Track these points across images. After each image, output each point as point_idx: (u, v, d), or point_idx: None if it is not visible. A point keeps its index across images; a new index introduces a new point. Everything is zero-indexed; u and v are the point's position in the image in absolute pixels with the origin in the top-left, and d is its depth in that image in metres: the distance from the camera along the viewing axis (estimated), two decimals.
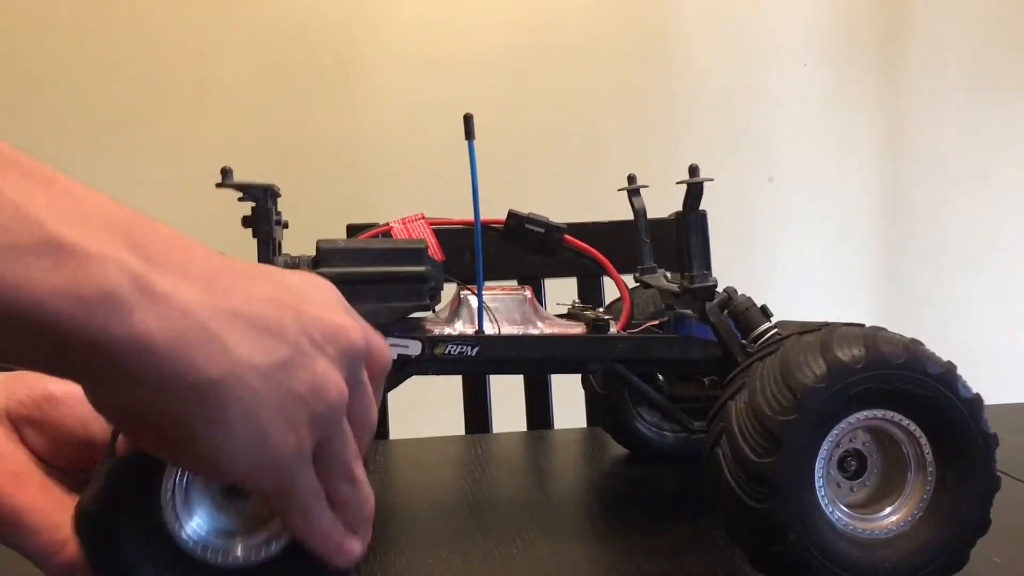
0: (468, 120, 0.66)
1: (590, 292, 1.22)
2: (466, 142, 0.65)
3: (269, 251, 0.62)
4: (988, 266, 2.07)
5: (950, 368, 0.57)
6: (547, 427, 1.18)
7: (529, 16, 1.88)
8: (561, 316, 0.77)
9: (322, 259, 0.63)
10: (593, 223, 1.22)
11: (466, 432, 1.15)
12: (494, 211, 1.40)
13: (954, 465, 0.58)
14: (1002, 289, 2.07)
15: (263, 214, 0.62)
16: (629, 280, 0.83)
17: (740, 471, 0.56)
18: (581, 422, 1.16)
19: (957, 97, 2.03)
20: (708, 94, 1.95)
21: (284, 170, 1.81)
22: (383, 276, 0.64)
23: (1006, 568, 0.63)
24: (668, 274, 0.79)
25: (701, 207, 1.25)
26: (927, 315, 2.04)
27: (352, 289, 0.62)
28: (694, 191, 0.65)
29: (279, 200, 0.70)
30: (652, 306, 0.81)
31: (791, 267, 1.98)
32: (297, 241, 1.82)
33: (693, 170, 0.65)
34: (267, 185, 0.61)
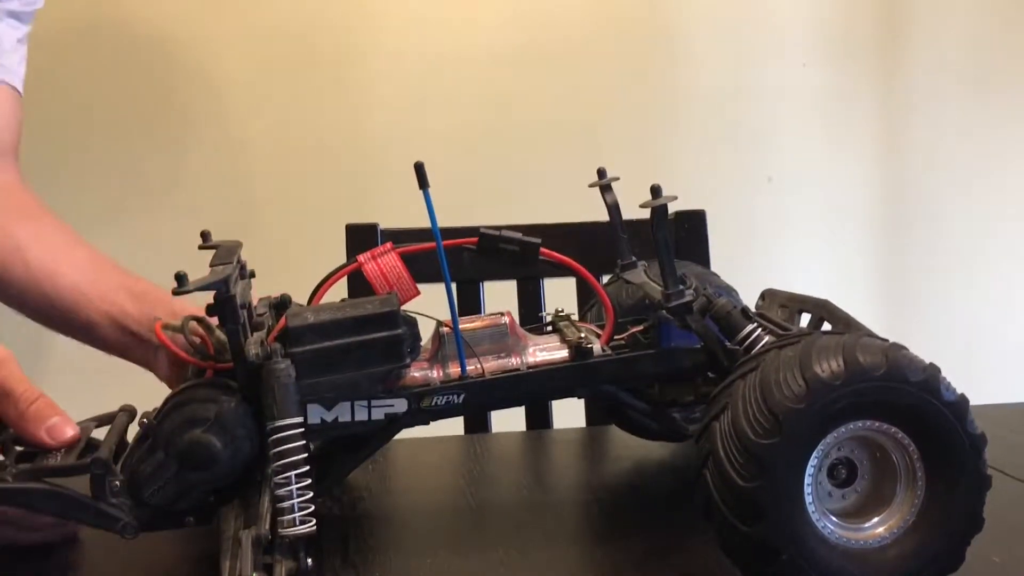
0: (420, 169, 0.64)
1: (589, 291, 1.22)
2: (455, 177, 0.64)
3: (239, 337, 0.61)
4: (988, 265, 2.07)
5: (932, 372, 0.57)
6: (546, 427, 1.18)
7: (528, 15, 1.88)
8: (547, 325, 0.76)
9: (293, 338, 0.61)
10: (591, 222, 1.22)
11: (465, 432, 1.15)
12: (493, 211, 1.40)
13: (944, 468, 0.58)
14: (1002, 288, 2.07)
15: (227, 304, 0.59)
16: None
17: (728, 495, 0.56)
18: (580, 422, 1.16)
19: (957, 96, 2.03)
20: (707, 93, 1.94)
21: (283, 170, 1.81)
22: (358, 345, 0.62)
23: (1006, 568, 0.63)
24: (648, 268, 0.78)
25: (700, 206, 1.25)
26: (926, 313, 2.04)
27: (329, 363, 0.61)
28: (659, 212, 0.65)
29: (244, 248, 0.68)
30: (630, 298, 0.80)
31: (790, 266, 1.98)
32: (297, 242, 1.81)
33: (655, 191, 0.64)
34: (224, 276, 0.59)
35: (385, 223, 1.24)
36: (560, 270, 0.72)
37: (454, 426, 1.16)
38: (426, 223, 1.13)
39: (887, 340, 0.58)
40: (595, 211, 1.16)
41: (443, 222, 1.16)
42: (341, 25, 1.83)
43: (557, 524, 0.75)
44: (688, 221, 1.24)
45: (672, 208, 1.23)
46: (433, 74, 1.85)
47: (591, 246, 0.96)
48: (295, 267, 1.27)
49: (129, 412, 0.69)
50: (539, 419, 1.19)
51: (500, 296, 1.22)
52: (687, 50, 1.94)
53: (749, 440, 0.55)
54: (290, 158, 1.82)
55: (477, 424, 1.16)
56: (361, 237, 1.22)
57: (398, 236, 1.21)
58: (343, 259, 1.26)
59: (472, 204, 1.68)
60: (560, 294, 1.21)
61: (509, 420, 1.13)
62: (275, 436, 0.58)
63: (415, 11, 1.85)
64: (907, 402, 0.56)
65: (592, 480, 0.88)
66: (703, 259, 1.25)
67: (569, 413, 1.16)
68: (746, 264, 1.89)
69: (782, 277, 1.94)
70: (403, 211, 1.28)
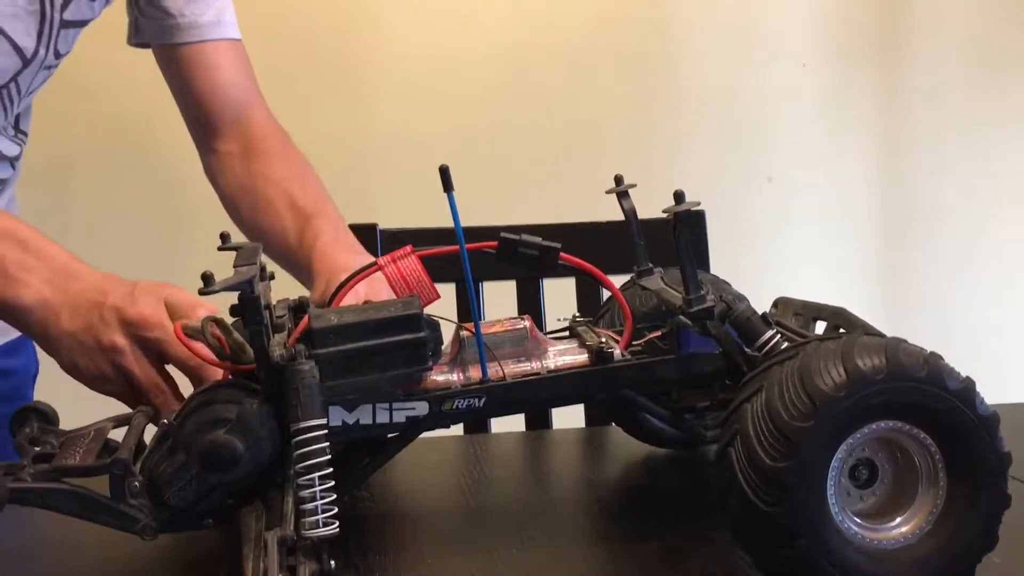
0: (444, 172, 0.64)
1: (589, 293, 1.22)
2: (455, 177, 0.63)
3: (263, 338, 0.61)
4: (987, 265, 2.07)
5: (969, 384, 0.58)
6: (546, 427, 1.18)
7: (529, 15, 1.88)
8: (563, 331, 0.76)
9: (316, 339, 0.61)
10: (593, 223, 1.22)
11: (465, 432, 1.15)
12: (494, 211, 1.40)
13: (966, 481, 0.59)
14: (1001, 288, 2.07)
15: (251, 305, 0.59)
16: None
17: (753, 473, 0.56)
18: (580, 422, 1.16)
19: (956, 96, 2.03)
20: (707, 93, 1.94)
21: None
22: (381, 348, 0.62)
23: (1006, 569, 0.63)
24: (664, 274, 0.78)
25: (700, 207, 1.25)
26: (926, 314, 2.04)
27: (352, 364, 0.61)
28: (681, 218, 0.65)
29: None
30: (646, 305, 0.80)
31: (790, 266, 1.98)
32: None
33: (678, 196, 0.65)
34: (248, 277, 0.59)
35: (385, 223, 1.24)
36: (569, 272, 0.72)
37: (454, 426, 1.16)
38: (425, 224, 1.13)
39: (925, 349, 0.59)
40: (595, 211, 1.16)
41: (443, 222, 1.15)
42: (342, 25, 1.83)
43: (557, 524, 0.75)
44: (688, 221, 1.24)
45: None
46: (434, 74, 1.85)
47: (591, 246, 0.96)
48: None
49: (147, 413, 0.69)
50: (539, 420, 1.19)
51: (499, 296, 1.22)
52: (687, 50, 1.94)
53: (783, 421, 0.56)
54: None
55: (477, 424, 1.16)
56: (361, 237, 1.22)
57: (398, 236, 1.21)
58: None
59: (472, 204, 1.66)
60: (559, 295, 1.21)
61: (509, 420, 1.13)
62: (299, 437, 0.58)
63: (416, 12, 1.85)
64: (941, 408, 0.57)
65: (592, 480, 0.88)
66: (703, 259, 1.25)
67: (569, 414, 1.16)
68: (746, 264, 1.89)
69: (782, 277, 1.94)
70: (403, 211, 1.28)
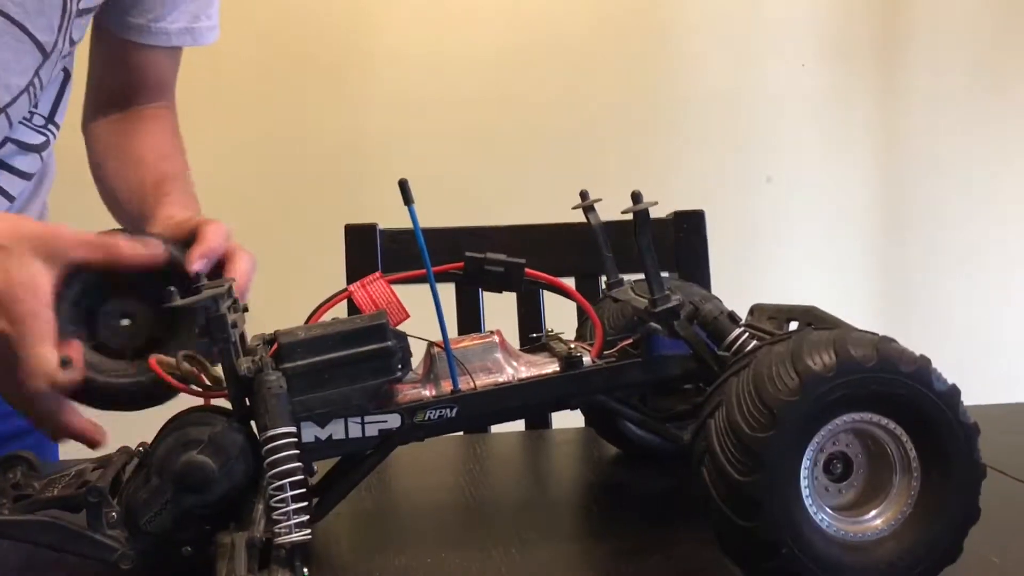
0: (404, 186, 0.65)
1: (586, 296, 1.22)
2: (455, 177, 0.64)
3: (232, 355, 0.61)
4: (986, 266, 2.07)
5: (923, 363, 0.57)
6: (544, 427, 1.18)
7: (528, 15, 1.88)
8: (536, 347, 0.76)
9: (284, 354, 0.62)
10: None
11: (464, 432, 1.15)
12: (494, 211, 1.40)
13: (938, 459, 0.58)
14: (1001, 289, 2.07)
15: (217, 322, 0.60)
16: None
17: (725, 490, 0.56)
18: (578, 422, 1.16)
19: (955, 97, 2.03)
20: (707, 93, 1.95)
21: (282, 170, 1.81)
22: (348, 359, 0.63)
23: (1004, 567, 0.63)
24: (634, 285, 0.78)
25: (699, 207, 1.25)
26: (925, 315, 2.04)
27: (320, 377, 0.62)
28: (640, 218, 0.65)
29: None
30: (622, 317, 0.81)
31: (789, 266, 1.98)
32: (297, 243, 1.81)
33: (636, 197, 0.65)
34: (214, 295, 0.60)
35: (384, 223, 1.25)
36: (547, 289, 0.72)
37: None
38: (425, 224, 1.13)
39: (877, 334, 0.58)
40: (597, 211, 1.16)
41: (443, 222, 1.16)
42: (341, 26, 1.83)
43: (556, 523, 0.75)
44: (687, 221, 1.24)
45: (671, 208, 1.23)
46: (433, 74, 1.85)
47: (589, 247, 0.95)
48: (295, 267, 1.27)
49: (127, 452, 0.69)
50: (538, 419, 1.19)
51: (499, 296, 1.22)
52: (687, 51, 1.94)
53: (744, 434, 0.56)
54: (290, 158, 1.82)
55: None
56: (361, 237, 1.22)
57: (397, 236, 1.21)
58: (342, 260, 1.27)
59: (472, 204, 1.68)
60: (559, 296, 1.21)
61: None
62: (268, 446, 0.58)
63: (414, 12, 1.85)
64: (899, 393, 0.57)
65: (591, 479, 0.88)
66: (702, 259, 1.25)
67: (567, 414, 1.16)
68: (745, 264, 1.90)
69: (781, 277, 1.94)
70: (402, 211, 1.28)
